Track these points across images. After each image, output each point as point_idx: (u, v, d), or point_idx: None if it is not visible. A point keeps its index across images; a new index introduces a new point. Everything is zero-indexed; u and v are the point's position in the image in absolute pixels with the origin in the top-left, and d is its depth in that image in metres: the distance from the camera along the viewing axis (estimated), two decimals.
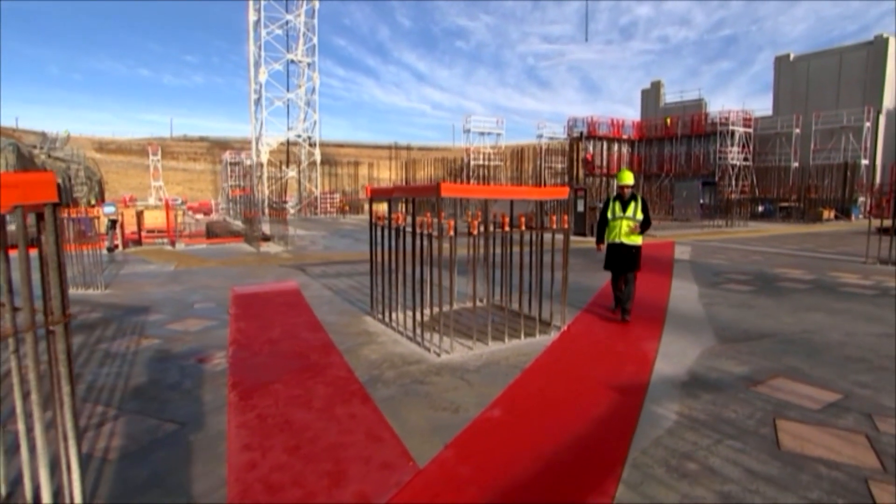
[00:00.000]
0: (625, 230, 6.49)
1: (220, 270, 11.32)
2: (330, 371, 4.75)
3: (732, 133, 39.89)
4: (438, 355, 5.15)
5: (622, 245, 6.53)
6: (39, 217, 2.41)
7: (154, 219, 20.93)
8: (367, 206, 44.80)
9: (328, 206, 42.24)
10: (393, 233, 6.04)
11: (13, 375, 2.44)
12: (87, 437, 3.47)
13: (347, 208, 40.94)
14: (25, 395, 2.40)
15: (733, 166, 39.79)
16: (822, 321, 6.65)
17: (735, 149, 39.96)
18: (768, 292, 8.59)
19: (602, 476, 3.00)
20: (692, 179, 37.45)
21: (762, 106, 58.63)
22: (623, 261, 6.53)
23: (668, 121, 43.93)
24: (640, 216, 6.46)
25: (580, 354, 5.36)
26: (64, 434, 2.54)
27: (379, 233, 6.44)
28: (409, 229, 5.86)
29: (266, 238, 16.69)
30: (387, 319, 6.37)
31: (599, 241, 6.83)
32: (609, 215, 6.65)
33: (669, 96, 52.04)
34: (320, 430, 3.58)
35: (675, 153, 43.44)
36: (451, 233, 5.11)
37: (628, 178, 6.56)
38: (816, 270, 11.05)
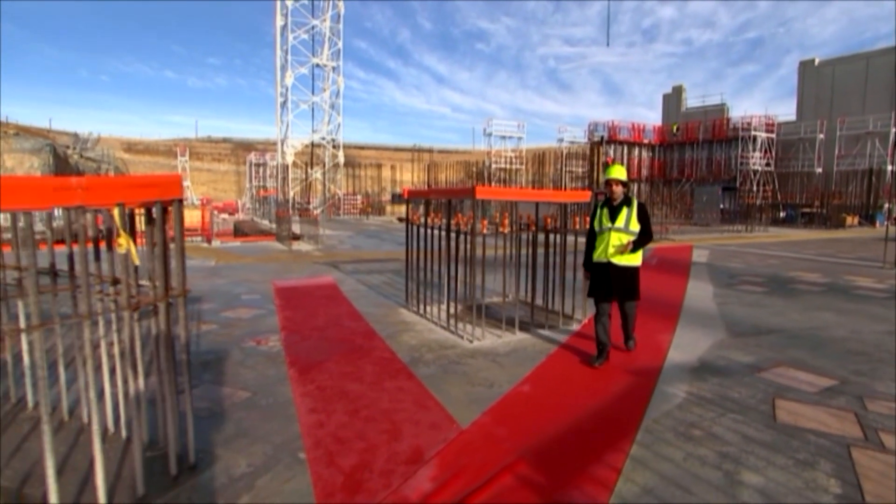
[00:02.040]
0: (614, 245, 4.87)
1: (257, 266, 12.02)
2: (375, 353, 5.33)
3: (755, 138, 39.81)
4: (471, 342, 5.70)
5: (610, 266, 4.90)
6: (164, 210, 3.02)
7: (189, 217, 21.84)
8: (388, 208, 45.60)
9: (350, 207, 43.11)
10: (428, 231, 6.61)
11: (132, 340, 3.05)
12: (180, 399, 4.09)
13: (370, 209, 41.73)
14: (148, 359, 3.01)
15: (755, 171, 39.70)
16: (830, 319, 7.04)
17: (757, 154, 39.86)
18: (781, 293, 8.97)
19: (618, 437, 3.52)
20: (713, 184, 37.54)
21: (787, 110, 58.03)
22: (613, 285, 4.93)
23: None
24: (634, 227, 4.87)
25: None
26: (182, 387, 3.16)
27: (414, 231, 7.02)
28: (438, 229, 6.43)
29: (296, 237, 17.43)
30: (421, 311, 6.95)
31: (586, 263, 5.23)
32: (595, 226, 5.09)
33: (691, 101, 51.92)
34: (374, 399, 4.15)
35: (696, 158, 43.47)
36: (484, 231, 5.67)
37: (618, 172, 4.96)
38: (832, 274, 11.35)
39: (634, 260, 4.99)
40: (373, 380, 4.57)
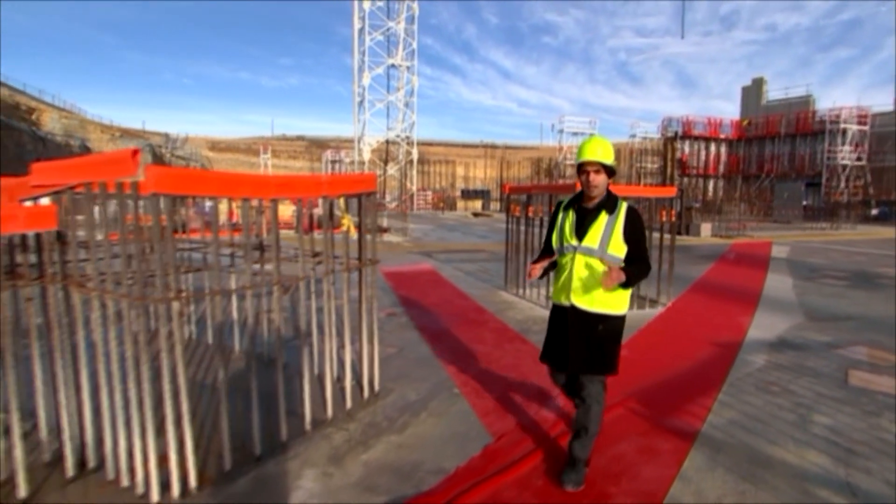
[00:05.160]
0: (580, 279, 2.92)
1: None
2: (488, 324, 6.34)
3: (844, 131, 37.86)
4: None
5: (574, 311, 2.94)
6: (358, 202, 4.12)
7: (282, 212, 23.89)
8: (459, 203, 46.78)
9: (422, 202, 44.65)
10: (524, 223, 7.55)
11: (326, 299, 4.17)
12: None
13: (443, 205, 43.09)
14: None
15: (843, 166, 37.78)
16: None
17: (846, 148, 37.91)
18: (864, 287, 9.24)
19: (706, 388, 4.34)
20: (795, 180, 36.14)
21: (884, 100, 54.30)
22: (574, 346, 2.95)
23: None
24: (617, 249, 2.88)
25: (683, 322, 6.60)
26: (371, 338, 4.25)
27: (514, 223, 7.98)
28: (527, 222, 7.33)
29: (384, 230, 18.83)
30: (519, 294, 7.90)
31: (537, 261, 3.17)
32: (554, 239, 3.10)
33: (773, 92, 49.82)
34: (499, 356, 5.15)
35: (777, 153, 41.82)
36: None
37: (597, 149, 2.85)
38: None
39: (617, 304, 2.96)
40: (494, 343, 5.57)
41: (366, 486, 2.90)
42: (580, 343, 2.94)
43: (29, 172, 3.11)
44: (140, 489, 2.79)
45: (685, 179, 39.93)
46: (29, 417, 3.19)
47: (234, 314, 5.44)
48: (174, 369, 2.73)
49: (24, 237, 3.10)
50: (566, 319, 2.98)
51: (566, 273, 2.98)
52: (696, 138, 43.16)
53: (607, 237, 2.87)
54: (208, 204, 3.29)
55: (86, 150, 49.52)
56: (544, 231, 4.24)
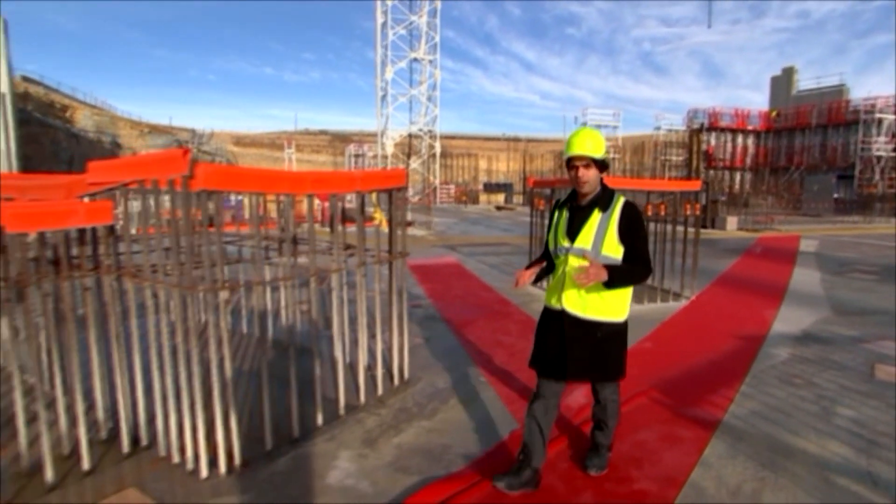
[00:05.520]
0: (573, 282, 2.64)
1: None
2: (513, 316, 6.46)
3: (879, 121, 36.71)
4: None
5: (566, 316, 2.75)
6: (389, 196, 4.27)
7: (305, 207, 24.23)
8: (482, 197, 46.77)
9: (444, 196, 44.79)
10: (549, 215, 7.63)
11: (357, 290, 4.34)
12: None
13: (465, 198, 43.18)
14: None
15: (878, 158, 36.68)
16: None
17: (882, 138, 36.75)
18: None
19: (729, 379, 4.40)
20: (826, 172, 35.27)
21: None
22: (568, 351, 2.74)
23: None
24: (612, 250, 2.69)
25: (707, 315, 6.63)
26: (401, 328, 4.40)
27: (538, 216, 8.06)
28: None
29: (409, 223, 19.04)
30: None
31: (529, 267, 3.06)
32: (549, 240, 2.96)
33: (804, 82, 48.48)
34: (524, 347, 5.26)
35: (807, 144, 40.78)
36: None
37: (586, 141, 2.66)
38: None
39: (614, 310, 2.75)
40: (519, 334, 5.70)
41: (398, 467, 3.06)
42: (580, 350, 2.73)
43: (85, 170, 3.34)
44: (190, 465, 3.00)
45: (711, 172, 39.28)
46: (85, 398, 3.43)
47: (268, 305, 5.66)
48: (220, 355, 2.92)
49: (81, 231, 3.33)
50: (559, 324, 2.78)
51: (559, 275, 2.81)
52: (723, 130, 42.34)
53: (601, 236, 2.66)
54: (234, 199, 3.44)
55: (116, 145, 50.91)
56: None
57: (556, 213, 2.92)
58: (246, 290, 5.65)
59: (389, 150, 41.92)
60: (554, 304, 2.82)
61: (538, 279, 3.04)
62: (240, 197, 9.09)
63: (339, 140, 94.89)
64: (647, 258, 2.72)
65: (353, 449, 3.27)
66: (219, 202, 2.93)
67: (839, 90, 44.35)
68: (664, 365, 4.75)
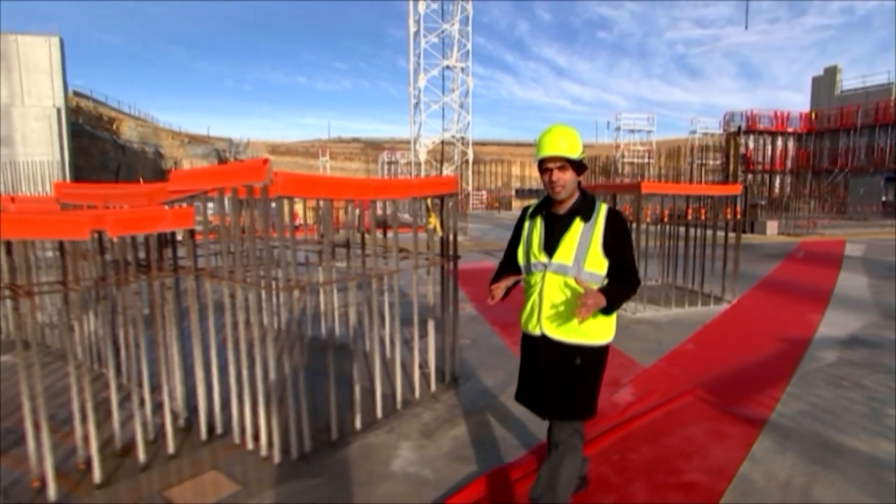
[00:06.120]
0: (553, 303, 2.34)
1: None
2: None
3: None
4: (634, 314, 6.76)
5: (546, 342, 2.39)
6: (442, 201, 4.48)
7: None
8: (515, 203, 46.81)
9: (476, 202, 45.02)
10: None
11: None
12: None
13: (498, 204, 43.35)
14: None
15: None
16: None
17: None
18: None
19: (775, 380, 4.45)
20: (873, 174, 34.07)
21: None
22: (547, 386, 2.45)
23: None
24: (596, 266, 2.32)
25: (749, 319, 6.63)
26: (452, 327, 4.60)
27: None
28: None
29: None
30: None
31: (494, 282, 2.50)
32: (520, 254, 2.50)
33: (848, 82, 46.89)
34: None
35: (852, 146, 39.47)
36: (647, 219, 6.68)
37: (559, 141, 2.28)
38: None
39: (600, 331, 2.38)
40: None
41: (457, 457, 3.25)
42: (553, 382, 2.39)
43: (168, 178, 3.66)
44: (263, 452, 3.25)
45: (749, 176, 38.40)
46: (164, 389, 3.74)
47: (322, 306, 5.94)
48: (292, 348, 3.18)
49: (161, 235, 3.64)
50: (537, 353, 2.42)
51: (535, 296, 2.38)
52: (762, 133, 41.37)
53: (583, 250, 2.28)
54: (273, 205, 3.54)
55: (159, 155, 52.78)
56: None
57: (528, 223, 2.49)
58: (311, 292, 5.94)
59: (423, 157, 42.40)
60: (532, 330, 2.42)
61: (508, 292, 2.49)
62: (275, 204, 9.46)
63: (371, 147, 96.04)
64: (635, 270, 2.40)
65: (413, 440, 3.47)
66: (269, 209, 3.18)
67: (887, 88, 42.73)
68: (708, 366, 4.82)
